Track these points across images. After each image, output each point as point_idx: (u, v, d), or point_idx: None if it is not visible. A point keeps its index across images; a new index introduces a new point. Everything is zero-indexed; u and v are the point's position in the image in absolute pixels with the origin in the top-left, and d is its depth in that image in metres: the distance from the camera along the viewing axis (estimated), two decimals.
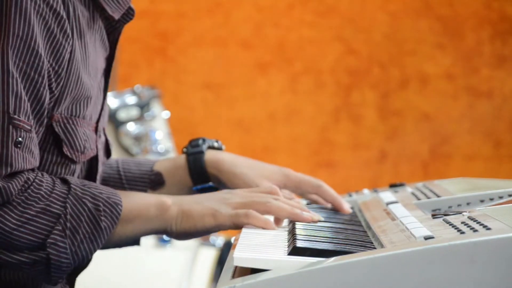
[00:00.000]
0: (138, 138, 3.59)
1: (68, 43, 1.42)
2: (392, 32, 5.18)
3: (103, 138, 1.64)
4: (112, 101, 3.62)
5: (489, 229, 1.15)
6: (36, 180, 1.38)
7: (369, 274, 1.07)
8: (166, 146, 3.63)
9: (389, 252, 1.08)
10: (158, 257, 3.09)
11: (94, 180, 1.58)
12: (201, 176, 1.70)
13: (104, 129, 1.67)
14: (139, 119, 3.64)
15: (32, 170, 1.41)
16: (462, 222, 1.23)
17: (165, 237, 3.13)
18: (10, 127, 1.35)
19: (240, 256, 1.16)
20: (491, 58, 5.19)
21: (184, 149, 1.75)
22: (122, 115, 3.62)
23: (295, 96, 5.19)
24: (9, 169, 1.35)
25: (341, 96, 5.20)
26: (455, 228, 1.20)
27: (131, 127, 3.60)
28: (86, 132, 1.52)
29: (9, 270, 1.46)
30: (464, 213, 1.30)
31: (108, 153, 1.71)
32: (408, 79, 5.20)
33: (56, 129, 1.46)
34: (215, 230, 1.46)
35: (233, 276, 1.17)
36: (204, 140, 1.74)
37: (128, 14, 1.59)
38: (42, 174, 1.41)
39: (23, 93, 1.37)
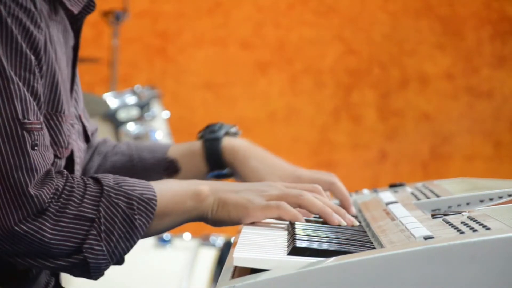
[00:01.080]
0: (138, 138, 3.59)
1: (42, 35, 1.43)
2: (392, 32, 5.18)
3: (76, 127, 1.63)
4: (112, 101, 3.63)
5: (488, 229, 1.15)
6: (67, 187, 1.38)
7: (369, 274, 1.07)
8: None
9: (388, 252, 1.08)
10: (158, 257, 3.09)
11: (73, 171, 1.57)
12: (217, 163, 1.70)
13: (80, 117, 1.65)
14: (139, 119, 3.64)
15: (61, 173, 1.40)
16: (461, 222, 1.23)
17: (165, 237, 3.13)
18: (24, 132, 1.36)
19: (240, 256, 1.16)
20: (491, 58, 5.19)
21: (200, 134, 1.74)
22: (122, 115, 3.62)
23: (295, 96, 5.19)
24: (35, 174, 1.35)
25: (341, 96, 5.21)
26: (455, 228, 1.20)
27: (131, 127, 3.60)
28: (69, 127, 1.51)
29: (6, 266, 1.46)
30: (463, 213, 1.30)
31: (87, 138, 1.69)
32: (408, 79, 5.21)
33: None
34: (248, 220, 1.46)
35: (233, 276, 1.17)
36: (221, 126, 1.74)
37: (89, 6, 1.59)
38: (73, 178, 1.41)
39: (27, 94, 1.38)
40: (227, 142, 1.71)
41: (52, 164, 1.46)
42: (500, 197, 1.50)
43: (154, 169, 1.75)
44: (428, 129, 5.21)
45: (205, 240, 3.23)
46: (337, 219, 1.46)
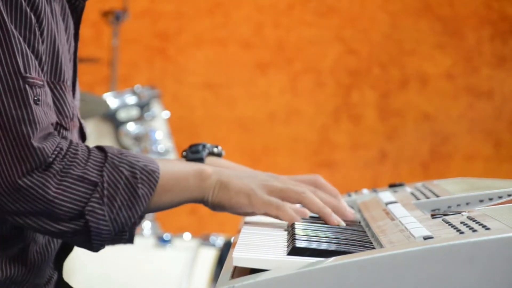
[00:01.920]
0: (138, 138, 3.59)
1: (42, 3, 1.43)
2: (392, 32, 5.18)
3: (76, 122, 1.63)
4: (112, 101, 3.63)
5: (488, 229, 1.15)
6: (71, 149, 1.39)
7: (369, 274, 1.07)
8: (166, 146, 3.63)
9: (388, 252, 1.08)
10: (158, 257, 3.10)
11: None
12: None
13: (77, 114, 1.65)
14: (139, 119, 3.64)
15: (64, 137, 1.41)
16: (461, 222, 1.23)
17: (165, 237, 3.13)
18: (26, 86, 1.36)
19: (240, 256, 1.16)
20: (491, 58, 5.19)
21: (184, 153, 1.75)
22: (122, 115, 3.62)
23: (295, 96, 5.19)
24: (38, 126, 1.35)
25: (341, 96, 5.21)
26: (454, 228, 1.20)
27: (131, 127, 3.60)
28: (72, 99, 1.52)
29: (8, 265, 1.46)
30: (463, 213, 1.30)
31: (82, 136, 1.69)
32: (408, 79, 5.21)
33: None
34: (248, 210, 1.46)
35: (233, 276, 1.17)
36: (204, 146, 1.74)
37: None
38: (77, 143, 1.41)
39: (29, 52, 1.38)
40: (210, 162, 1.72)
41: (59, 134, 1.47)
42: (500, 197, 1.50)
43: None
44: (428, 129, 5.21)
45: (205, 240, 3.23)
46: (336, 219, 1.46)
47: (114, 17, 4.15)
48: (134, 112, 3.65)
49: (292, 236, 1.31)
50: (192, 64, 5.15)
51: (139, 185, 1.40)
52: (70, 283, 1.68)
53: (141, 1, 5.07)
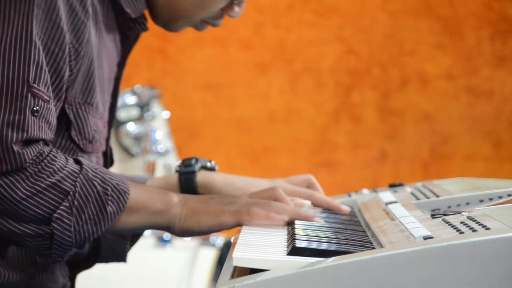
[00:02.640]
0: (138, 138, 3.59)
1: (88, 21, 1.44)
2: (392, 32, 5.18)
3: (98, 146, 1.64)
4: None
5: (488, 229, 1.15)
6: (51, 155, 1.39)
7: (368, 274, 1.07)
8: (166, 146, 3.63)
9: (388, 252, 1.08)
10: (158, 257, 3.09)
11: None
12: None
13: (107, 139, 1.67)
14: (139, 119, 3.64)
15: (47, 144, 1.42)
16: (461, 222, 1.23)
17: (165, 237, 3.13)
18: (29, 94, 1.37)
19: (239, 256, 1.16)
20: (491, 58, 5.19)
21: (177, 168, 1.76)
22: (122, 115, 3.62)
23: (295, 96, 5.19)
24: (24, 134, 1.36)
25: (341, 96, 5.20)
26: (454, 228, 1.20)
27: (131, 127, 3.60)
28: (98, 123, 1.53)
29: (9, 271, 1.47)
30: (463, 213, 1.30)
31: (111, 161, 1.71)
32: (408, 79, 5.21)
33: (68, 112, 1.47)
34: (218, 229, 1.48)
35: (233, 276, 1.17)
36: (197, 160, 1.75)
37: (142, 23, 1.60)
38: (57, 151, 1.42)
39: (44, 64, 1.39)
40: (202, 176, 1.73)
41: (74, 155, 1.48)
42: (500, 197, 1.50)
43: None
44: (428, 129, 5.21)
45: (205, 240, 3.22)
46: (312, 215, 1.47)
47: None
48: (134, 112, 3.65)
49: (292, 236, 1.31)
50: (192, 64, 5.15)
51: (109, 202, 1.41)
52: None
53: None
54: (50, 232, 1.38)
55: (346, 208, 1.63)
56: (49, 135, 1.42)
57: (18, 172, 1.36)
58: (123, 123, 3.60)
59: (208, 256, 3.15)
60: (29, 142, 1.38)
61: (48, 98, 1.40)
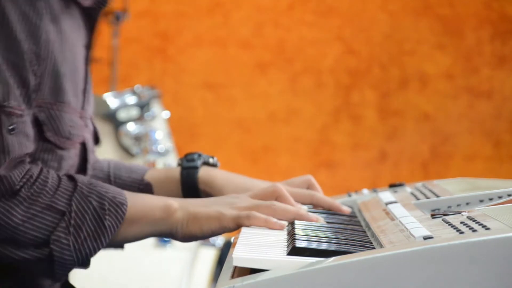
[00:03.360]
0: (138, 138, 3.59)
1: (43, 23, 1.42)
2: (392, 32, 5.18)
3: (90, 127, 1.64)
4: (112, 101, 3.63)
5: (488, 229, 1.15)
6: (42, 176, 1.39)
7: (369, 274, 1.07)
8: (166, 146, 3.63)
9: (388, 252, 1.08)
10: (158, 257, 3.10)
11: (85, 169, 1.58)
12: (192, 192, 1.70)
13: (91, 118, 1.65)
14: (139, 119, 3.64)
15: (35, 164, 1.41)
16: (461, 222, 1.23)
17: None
18: (2, 115, 1.36)
19: (239, 256, 1.16)
20: (491, 58, 5.19)
21: (179, 161, 1.75)
22: (122, 115, 3.62)
23: (295, 96, 5.19)
24: (7, 156, 1.35)
25: (341, 96, 5.21)
26: (454, 228, 1.20)
27: (131, 127, 3.60)
28: (73, 118, 1.52)
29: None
30: (463, 213, 1.30)
31: (96, 140, 1.69)
32: (408, 79, 5.21)
33: (39, 114, 1.45)
34: (220, 232, 1.47)
35: (233, 276, 1.17)
36: (199, 155, 1.75)
37: (103, 2, 1.59)
38: (48, 171, 1.41)
39: (9, 79, 1.37)
40: (204, 172, 1.72)
41: (54, 154, 1.47)
42: (500, 197, 1.50)
43: (128, 189, 1.76)
44: (428, 129, 5.21)
45: (205, 240, 3.23)
46: (314, 217, 1.47)
47: (114, 17, 4.15)
48: (134, 112, 3.65)
49: (292, 236, 1.30)
50: (192, 64, 5.15)
51: (107, 217, 1.40)
52: (74, 281, 1.68)
53: (141, 1, 5.07)
54: (49, 254, 1.37)
55: (347, 209, 1.63)
56: (30, 147, 1.42)
57: (12, 197, 1.35)
58: (123, 123, 3.60)
59: (208, 256, 3.15)
60: (13, 163, 1.37)
61: (21, 112, 1.39)
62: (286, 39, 5.18)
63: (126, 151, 3.56)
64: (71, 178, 1.43)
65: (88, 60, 1.61)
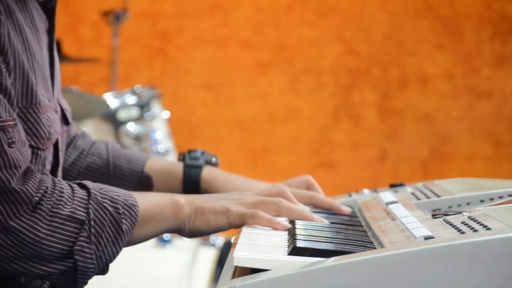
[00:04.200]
0: (138, 138, 3.59)
1: (3, 28, 1.40)
2: (392, 32, 5.18)
3: (59, 111, 1.61)
4: (112, 101, 3.63)
5: (489, 229, 1.15)
6: (57, 187, 1.38)
7: (369, 274, 1.07)
8: (166, 146, 3.63)
9: (389, 252, 1.08)
10: (158, 257, 3.09)
11: (57, 159, 1.56)
12: (193, 190, 1.71)
13: (58, 99, 1.63)
14: (139, 119, 3.64)
15: (46, 174, 1.40)
16: (462, 222, 1.23)
17: (165, 237, 3.13)
18: (0, 132, 1.35)
19: (240, 256, 1.16)
20: (491, 58, 5.19)
21: (180, 157, 1.75)
22: (122, 115, 3.62)
23: (295, 96, 5.19)
24: (16, 171, 1.34)
25: (341, 96, 5.21)
26: (455, 228, 1.20)
27: (131, 127, 3.60)
28: (49, 116, 1.50)
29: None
30: (464, 213, 1.30)
31: (66, 121, 1.67)
32: (408, 79, 5.21)
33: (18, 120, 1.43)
34: (226, 228, 1.47)
35: (233, 276, 1.17)
36: (203, 153, 1.75)
37: None
38: (60, 180, 1.40)
39: None
40: (208, 172, 1.72)
41: (37, 157, 1.46)
42: (501, 197, 1.50)
43: (128, 180, 1.75)
44: (428, 129, 5.21)
45: (205, 240, 3.23)
46: (318, 219, 1.47)
47: (114, 17, 4.15)
48: (134, 112, 3.65)
49: (292, 236, 1.30)
50: (192, 64, 5.15)
51: (123, 221, 1.40)
52: None
53: (141, 1, 5.07)
54: (73, 265, 1.37)
55: (347, 209, 1.63)
56: (29, 153, 1.41)
57: (33, 212, 1.34)
58: (123, 123, 3.60)
59: (208, 256, 3.15)
60: (23, 174, 1.36)
61: (14, 122, 1.38)
62: (286, 39, 5.17)
63: None
64: (82, 185, 1.42)
65: (51, 45, 1.59)
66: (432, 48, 5.18)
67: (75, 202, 1.38)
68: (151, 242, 3.11)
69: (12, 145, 1.36)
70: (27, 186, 1.34)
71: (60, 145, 1.58)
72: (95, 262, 1.38)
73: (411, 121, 5.21)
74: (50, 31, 1.58)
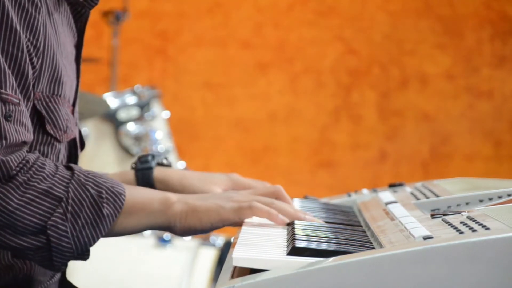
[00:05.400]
0: (138, 138, 3.59)
1: (41, 16, 1.42)
2: (392, 32, 5.18)
3: (78, 127, 1.63)
4: (112, 101, 3.63)
5: (488, 229, 1.15)
6: (38, 162, 1.38)
7: (368, 274, 1.07)
8: (166, 146, 3.63)
9: (388, 252, 1.08)
10: (158, 257, 3.09)
11: (77, 157, 1.58)
12: None
13: (77, 120, 1.65)
14: (139, 119, 3.64)
15: (29, 148, 1.41)
16: (461, 222, 1.23)
17: (165, 237, 3.13)
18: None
19: (239, 256, 1.16)
20: (491, 58, 5.19)
21: (133, 165, 1.75)
22: (122, 115, 3.62)
23: (295, 96, 5.20)
24: (4, 142, 1.35)
25: (341, 96, 5.21)
26: (454, 228, 1.20)
27: (131, 127, 3.60)
28: (68, 112, 1.52)
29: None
30: (463, 213, 1.30)
31: (81, 144, 1.69)
32: (408, 79, 5.21)
33: (38, 107, 1.45)
34: (220, 225, 1.47)
35: (232, 276, 1.17)
36: (153, 157, 1.75)
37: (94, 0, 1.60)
38: (45, 159, 1.41)
39: (6, 68, 1.37)
40: (159, 172, 1.73)
41: (52, 147, 1.47)
42: (500, 197, 1.50)
43: None
44: (428, 129, 5.21)
45: (205, 240, 3.23)
46: (312, 219, 1.47)
47: (114, 17, 4.15)
48: (134, 112, 3.65)
49: (291, 236, 1.30)
50: (192, 64, 5.15)
51: (105, 205, 1.39)
52: (72, 278, 1.68)
53: (141, 1, 5.07)
54: (47, 241, 1.37)
55: (307, 217, 1.61)
56: (28, 136, 1.41)
57: (8, 182, 1.34)
58: (123, 123, 3.60)
59: (208, 256, 3.15)
60: (11, 148, 1.37)
61: (17, 101, 1.38)
62: (286, 39, 5.18)
63: (126, 151, 3.56)
64: (68, 167, 1.43)
65: (78, 59, 1.61)
66: (432, 48, 5.18)
67: (55, 179, 1.38)
68: (151, 242, 3.11)
69: (9, 119, 1.37)
70: (8, 158, 1.35)
71: (78, 150, 1.59)
72: (71, 242, 1.37)
73: (411, 121, 5.21)
74: (78, 46, 1.61)
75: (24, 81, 1.41)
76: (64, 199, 1.37)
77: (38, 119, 1.47)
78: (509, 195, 1.50)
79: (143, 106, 3.67)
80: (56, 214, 1.36)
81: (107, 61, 4.42)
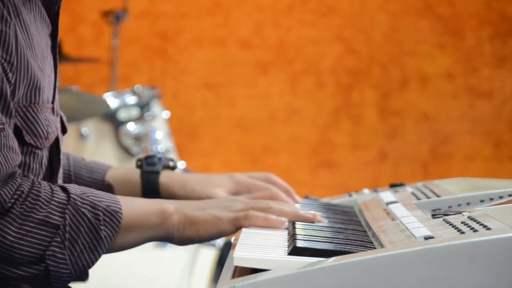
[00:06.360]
0: (138, 138, 3.59)
1: (10, 28, 1.39)
2: (392, 32, 5.18)
3: (58, 116, 1.60)
4: (112, 101, 3.62)
5: (489, 229, 1.15)
6: (33, 190, 1.37)
7: (369, 274, 1.07)
8: (166, 146, 3.63)
9: (389, 252, 1.08)
10: (158, 257, 3.09)
11: (58, 160, 1.56)
12: (153, 196, 1.70)
13: (58, 107, 1.62)
14: (139, 119, 3.64)
15: (27, 177, 1.39)
16: (462, 222, 1.22)
17: None
18: None
19: (240, 256, 1.16)
20: (491, 58, 5.19)
21: (138, 163, 1.75)
22: (122, 115, 3.62)
23: (295, 96, 5.19)
24: None
25: (341, 96, 5.21)
26: (455, 228, 1.20)
27: (131, 127, 3.60)
28: (47, 116, 1.49)
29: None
30: (464, 213, 1.29)
31: (63, 129, 1.67)
32: (408, 79, 5.21)
33: (16, 120, 1.42)
34: (218, 236, 1.46)
35: (233, 276, 1.17)
36: (160, 159, 1.74)
37: None
38: (40, 183, 1.39)
39: None
40: (165, 177, 1.72)
41: (35, 156, 1.45)
42: (501, 197, 1.50)
43: None
44: (428, 129, 5.21)
45: None
46: (311, 215, 1.46)
47: (114, 17, 4.15)
48: (134, 112, 3.65)
49: (292, 236, 1.30)
50: (192, 64, 5.15)
51: (102, 227, 1.38)
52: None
53: (141, 1, 5.07)
54: (45, 270, 1.36)
55: (298, 199, 1.63)
56: (16, 159, 1.39)
57: (4, 215, 1.33)
58: (123, 123, 3.60)
59: (208, 256, 3.14)
60: (3, 179, 1.35)
61: (2, 126, 1.37)
62: (286, 39, 5.18)
63: (126, 151, 3.56)
64: (64, 189, 1.41)
65: (54, 49, 1.59)
66: (432, 48, 5.18)
67: (51, 206, 1.36)
68: (151, 242, 3.11)
69: None
70: (2, 191, 1.33)
71: (60, 147, 1.58)
72: (70, 268, 1.37)
73: (411, 121, 5.21)
74: (53, 35, 1.58)
75: (4, 101, 1.38)
76: (61, 226, 1.36)
77: (17, 131, 1.43)
78: (510, 195, 1.50)
79: (143, 106, 3.67)
80: (54, 243, 1.35)
81: (107, 61, 4.41)
